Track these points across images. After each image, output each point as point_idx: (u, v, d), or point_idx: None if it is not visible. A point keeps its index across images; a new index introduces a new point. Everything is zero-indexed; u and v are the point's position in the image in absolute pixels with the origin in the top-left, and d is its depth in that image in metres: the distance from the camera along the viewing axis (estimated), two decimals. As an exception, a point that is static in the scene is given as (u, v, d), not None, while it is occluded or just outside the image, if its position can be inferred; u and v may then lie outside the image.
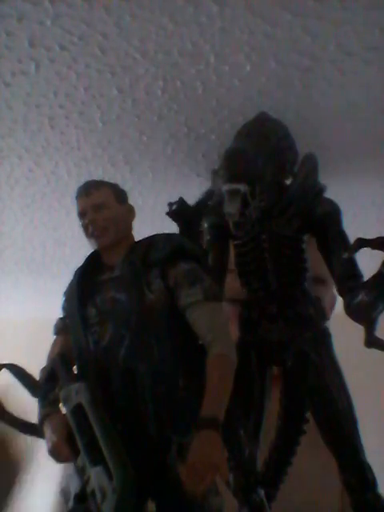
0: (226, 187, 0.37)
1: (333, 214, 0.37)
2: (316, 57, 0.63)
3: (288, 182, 0.38)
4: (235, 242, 0.38)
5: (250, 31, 0.59)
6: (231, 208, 0.37)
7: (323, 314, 0.36)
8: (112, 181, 0.96)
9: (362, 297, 0.32)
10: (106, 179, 0.94)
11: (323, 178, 0.94)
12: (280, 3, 0.55)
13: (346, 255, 0.34)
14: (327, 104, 0.73)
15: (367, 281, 0.33)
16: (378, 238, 0.33)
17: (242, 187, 0.37)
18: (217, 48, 0.62)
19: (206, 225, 0.40)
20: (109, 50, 0.61)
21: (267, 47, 0.62)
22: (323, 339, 0.36)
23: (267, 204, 0.36)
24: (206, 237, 0.40)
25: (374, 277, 0.32)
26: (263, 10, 0.56)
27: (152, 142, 0.81)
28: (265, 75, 0.66)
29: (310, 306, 0.36)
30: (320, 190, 0.37)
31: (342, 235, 0.37)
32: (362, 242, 0.34)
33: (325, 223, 0.36)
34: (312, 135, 0.80)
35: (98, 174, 0.92)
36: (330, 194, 1.02)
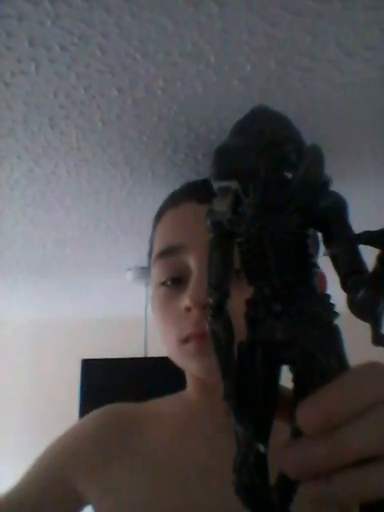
0: (215, 185, 0.37)
1: (337, 208, 0.35)
2: (316, 57, 0.63)
3: (290, 176, 0.36)
4: (238, 240, 0.37)
5: (250, 31, 0.59)
6: (221, 206, 0.36)
7: (332, 311, 0.34)
8: (112, 181, 0.96)
9: (363, 293, 0.31)
10: (106, 180, 0.94)
11: (323, 178, 0.94)
12: (280, 3, 0.55)
13: (342, 238, 0.33)
14: (327, 104, 0.73)
15: (367, 277, 0.32)
16: (365, 232, 0.32)
17: (233, 184, 0.36)
18: (217, 48, 0.61)
19: (208, 222, 0.38)
20: (109, 50, 0.61)
21: (267, 47, 0.61)
22: (331, 337, 0.34)
23: (265, 200, 0.34)
24: (210, 235, 0.39)
25: (372, 273, 0.31)
26: (263, 9, 0.56)
27: (152, 142, 0.81)
28: (265, 75, 0.66)
29: (317, 303, 0.34)
30: (324, 183, 0.34)
31: (348, 228, 0.35)
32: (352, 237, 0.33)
33: (329, 217, 0.34)
34: (312, 135, 0.80)
35: (97, 175, 0.92)
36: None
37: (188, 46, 0.61)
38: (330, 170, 0.91)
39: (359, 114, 0.76)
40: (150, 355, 2.19)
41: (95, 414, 0.73)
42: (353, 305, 0.31)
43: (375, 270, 0.30)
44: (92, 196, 1.03)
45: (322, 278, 0.65)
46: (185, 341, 0.59)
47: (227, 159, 0.33)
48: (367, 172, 0.93)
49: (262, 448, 0.33)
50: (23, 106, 0.72)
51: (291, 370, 0.34)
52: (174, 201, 0.69)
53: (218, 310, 0.36)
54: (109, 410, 0.73)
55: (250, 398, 0.34)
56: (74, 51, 0.61)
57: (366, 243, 0.31)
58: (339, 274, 0.33)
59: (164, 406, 0.71)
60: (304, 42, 0.61)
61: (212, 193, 0.62)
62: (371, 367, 0.30)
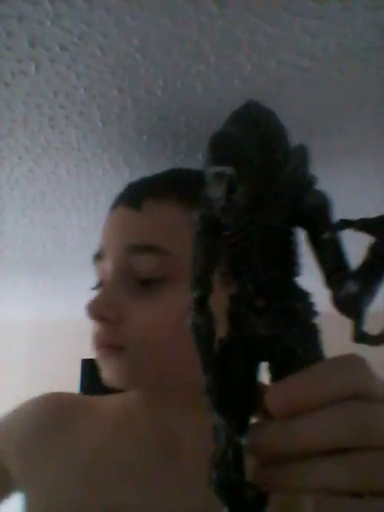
0: (210, 170, 0.36)
1: (323, 206, 0.35)
2: (316, 57, 0.63)
3: (278, 172, 0.35)
4: (225, 233, 0.36)
5: (250, 31, 0.59)
6: (216, 191, 0.35)
7: (313, 310, 0.34)
8: (112, 181, 0.96)
9: (348, 288, 0.31)
10: (106, 180, 0.94)
11: (323, 178, 0.94)
12: (280, 3, 0.55)
13: (326, 235, 0.33)
14: (327, 104, 0.73)
15: (353, 270, 0.32)
16: (361, 219, 0.32)
17: (228, 170, 0.35)
18: (217, 48, 0.61)
19: (194, 215, 0.38)
20: (109, 50, 0.61)
21: (267, 47, 0.61)
22: (311, 335, 0.34)
23: (256, 192, 0.34)
24: (197, 228, 0.38)
25: (361, 266, 0.31)
26: (263, 9, 0.56)
27: (152, 142, 0.81)
28: (265, 75, 0.66)
29: (299, 300, 0.34)
30: (310, 182, 0.34)
31: (333, 226, 0.35)
32: (345, 224, 0.32)
33: (314, 215, 0.34)
34: (312, 135, 0.80)
35: (97, 175, 0.92)
36: (329, 193, 1.02)
37: (188, 46, 0.61)
38: (330, 169, 0.91)
39: (359, 114, 0.76)
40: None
41: (36, 399, 0.72)
42: (337, 301, 0.31)
43: (365, 261, 0.30)
44: (92, 196, 1.03)
45: None
46: (95, 348, 0.58)
47: (225, 145, 0.33)
48: (368, 172, 0.93)
49: (243, 441, 0.33)
50: (23, 106, 0.72)
51: (270, 367, 0.34)
52: (112, 204, 0.68)
53: (200, 304, 0.36)
54: (49, 398, 0.72)
55: (231, 392, 0.34)
56: (74, 51, 0.61)
57: (361, 230, 0.30)
58: (324, 271, 0.32)
59: (107, 400, 0.70)
60: (304, 41, 0.61)
61: (143, 194, 0.62)
62: (346, 359, 0.30)
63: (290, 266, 0.34)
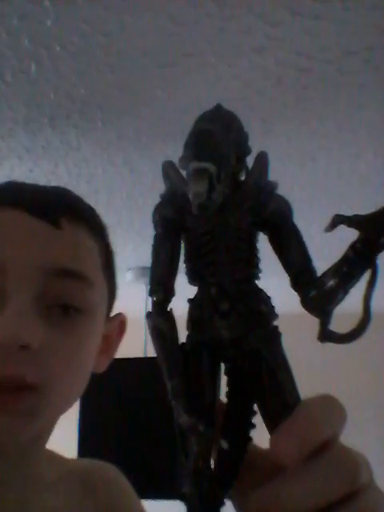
0: (192, 165, 0.35)
1: (285, 210, 0.36)
2: (316, 57, 0.63)
3: (242, 177, 0.37)
4: (188, 236, 0.36)
5: (250, 31, 0.59)
6: (198, 187, 0.35)
7: (273, 312, 0.35)
8: (112, 181, 0.96)
9: (322, 287, 0.31)
10: (106, 179, 0.94)
11: (325, 179, 0.95)
12: (280, 3, 0.55)
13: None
14: (327, 104, 0.73)
15: (329, 268, 0.32)
16: (355, 215, 0.32)
17: (210, 166, 0.35)
18: (217, 48, 0.62)
19: (157, 217, 0.37)
20: (109, 50, 0.61)
21: (267, 47, 0.62)
22: (274, 337, 0.35)
23: (229, 192, 0.34)
24: (157, 230, 0.37)
25: (338, 262, 0.31)
26: (263, 9, 0.56)
27: (152, 142, 0.81)
28: (265, 75, 0.66)
29: (261, 302, 0.35)
30: (272, 188, 0.36)
31: (296, 229, 0.36)
32: (340, 219, 0.33)
33: (279, 218, 0.36)
34: (312, 136, 0.81)
35: (97, 174, 0.92)
36: (329, 192, 1.02)
37: (188, 46, 0.61)
38: (332, 169, 0.92)
39: (359, 114, 0.76)
40: (149, 355, 2.19)
41: None
42: (305, 301, 0.31)
43: (344, 258, 0.30)
44: (92, 196, 1.03)
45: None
46: None
47: (208, 142, 0.33)
48: (368, 171, 0.93)
49: (224, 444, 0.32)
50: (23, 106, 0.72)
51: (228, 370, 0.34)
52: None
53: (163, 308, 0.35)
54: None
55: (197, 396, 0.34)
56: (74, 50, 0.61)
57: (353, 226, 0.31)
58: (290, 273, 0.33)
59: None
60: (304, 41, 0.61)
61: (58, 209, 0.54)
62: (332, 401, 0.30)
63: (252, 268, 0.34)
